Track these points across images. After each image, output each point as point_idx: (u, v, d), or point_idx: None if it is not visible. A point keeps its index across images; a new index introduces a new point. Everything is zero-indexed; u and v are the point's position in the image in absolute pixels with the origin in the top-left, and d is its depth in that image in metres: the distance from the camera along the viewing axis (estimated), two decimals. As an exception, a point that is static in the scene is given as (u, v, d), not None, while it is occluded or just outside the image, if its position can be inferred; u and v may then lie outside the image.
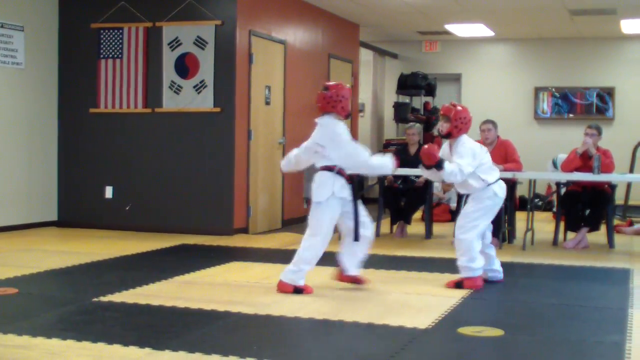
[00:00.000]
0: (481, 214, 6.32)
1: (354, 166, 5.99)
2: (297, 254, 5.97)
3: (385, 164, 5.99)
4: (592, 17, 12.17)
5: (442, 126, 6.34)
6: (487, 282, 6.43)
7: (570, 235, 9.05)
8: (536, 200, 12.38)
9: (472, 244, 6.27)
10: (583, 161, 8.73)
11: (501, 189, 6.41)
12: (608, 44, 14.16)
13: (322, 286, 6.33)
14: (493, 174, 6.39)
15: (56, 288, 6.49)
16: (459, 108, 6.33)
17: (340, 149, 5.90)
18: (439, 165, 6.13)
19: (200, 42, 9.49)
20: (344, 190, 5.93)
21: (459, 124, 6.26)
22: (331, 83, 6.13)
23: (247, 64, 9.64)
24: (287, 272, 5.99)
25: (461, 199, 6.79)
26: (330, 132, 5.93)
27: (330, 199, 5.89)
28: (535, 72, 14.56)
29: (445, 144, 6.56)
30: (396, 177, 9.57)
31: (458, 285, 6.28)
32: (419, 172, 9.31)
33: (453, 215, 11.23)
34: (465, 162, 6.17)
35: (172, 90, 9.62)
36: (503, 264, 6.70)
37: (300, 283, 5.95)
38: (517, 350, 4.63)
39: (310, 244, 5.95)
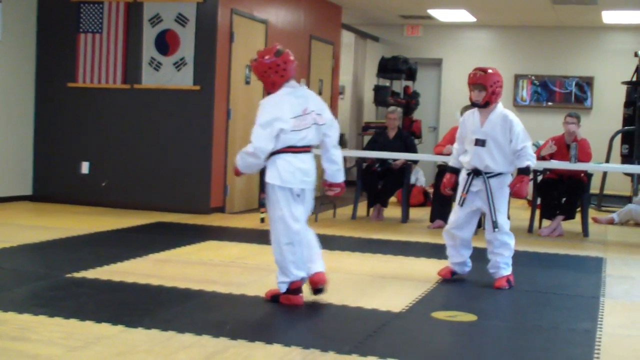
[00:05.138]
0: (506, 200, 5.92)
1: None
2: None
3: None
4: (574, 7, 12.20)
5: (477, 95, 5.72)
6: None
7: (546, 223, 9.10)
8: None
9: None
10: (561, 149, 8.78)
11: None
12: (588, 34, 14.20)
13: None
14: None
15: (29, 263, 6.45)
16: (491, 71, 5.76)
17: None
18: (526, 172, 5.76)
19: (181, 19, 9.42)
20: None
21: (496, 89, 5.74)
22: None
23: (228, 43, 9.58)
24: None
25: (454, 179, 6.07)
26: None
27: None
28: (516, 60, 14.58)
29: (467, 115, 5.95)
30: (375, 159, 9.59)
31: (509, 283, 5.86)
32: (397, 156, 9.42)
33: (426, 197, 11.29)
34: (530, 144, 5.82)
35: (152, 66, 9.54)
36: (478, 250, 6.70)
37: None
38: (490, 336, 4.66)
39: None
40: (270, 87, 5.09)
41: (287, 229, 4.98)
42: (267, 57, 5.00)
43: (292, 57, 5.07)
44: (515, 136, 5.73)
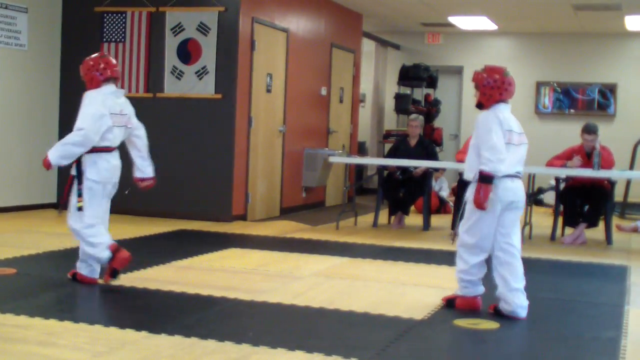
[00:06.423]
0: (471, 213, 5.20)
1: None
2: None
3: None
4: (596, 13, 12.15)
5: (475, 94, 5.22)
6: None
7: (569, 230, 9.06)
8: (541, 196, 12.37)
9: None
10: (584, 157, 8.73)
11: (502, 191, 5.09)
12: (611, 40, 14.14)
13: (319, 274, 6.35)
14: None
15: (54, 269, 6.50)
16: (491, 73, 5.14)
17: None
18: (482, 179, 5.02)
19: (203, 28, 9.48)
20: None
21: (487, 90, 5.11)
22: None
23: (249, 51, 9.63)
24: None
25: (464, 187, 5.52)
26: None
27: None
28: (538, 67, 14.54)
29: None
30: (396, 167, 9.58)
31: (449, 303, 5.36)
32: (418, 164, 9.40)
33: (441, 202, 11.29)
34: (486, 155, 5.00)
35: (174, 75, 9.60)
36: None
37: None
38: (513, 344, 4.64)
39: None
40: (89, 84, 5.69)
41: (94, 211, 5.68)
42: (89, 60, 5.70)
43: (115, 67, 5.73)
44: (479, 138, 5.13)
